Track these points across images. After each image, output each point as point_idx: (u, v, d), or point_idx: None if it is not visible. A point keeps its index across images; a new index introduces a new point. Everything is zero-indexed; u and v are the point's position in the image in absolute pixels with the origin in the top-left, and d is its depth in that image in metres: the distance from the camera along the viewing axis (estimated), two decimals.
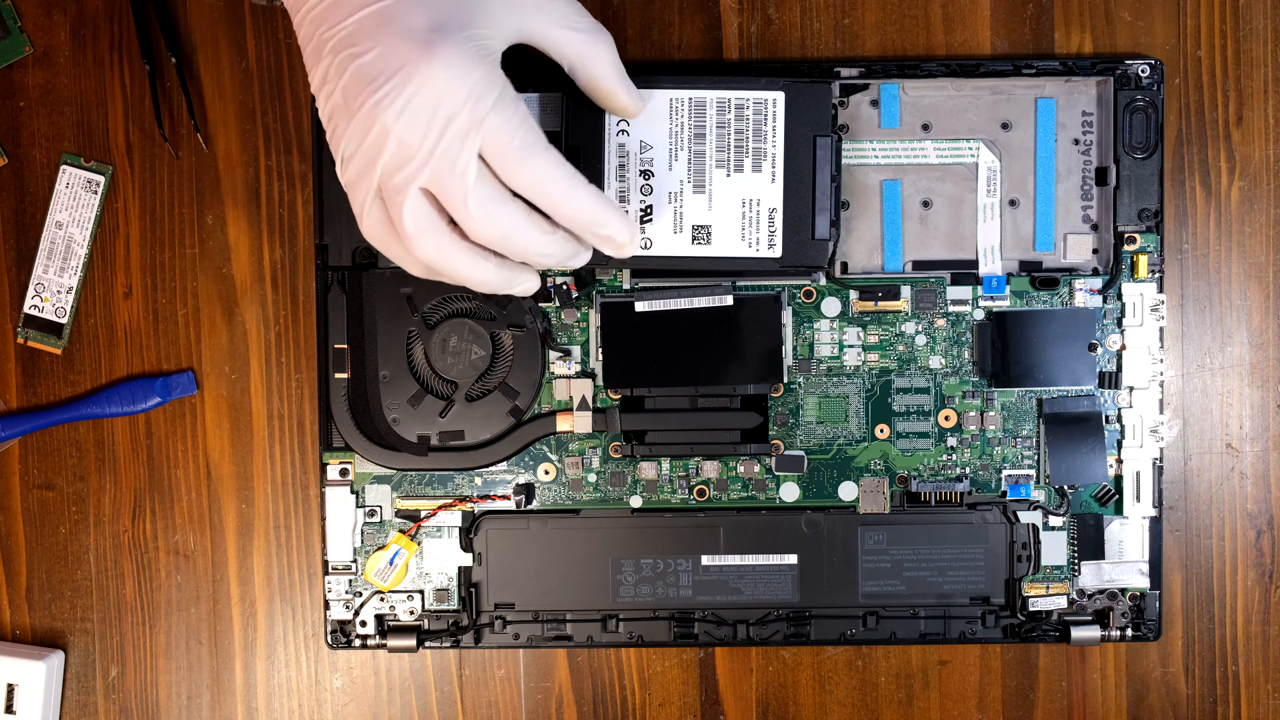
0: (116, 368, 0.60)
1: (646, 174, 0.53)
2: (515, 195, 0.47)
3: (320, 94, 0.47)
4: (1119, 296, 0.58)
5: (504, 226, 0.47)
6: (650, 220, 0.53)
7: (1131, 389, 0.58)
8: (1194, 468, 0.60)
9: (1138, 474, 0.58)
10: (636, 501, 0.59)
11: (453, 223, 0.47)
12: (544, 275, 0.58)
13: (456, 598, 0.59)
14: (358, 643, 0.59)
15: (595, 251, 0.51)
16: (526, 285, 0.50)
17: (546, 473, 0.59)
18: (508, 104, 0.46)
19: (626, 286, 0.58)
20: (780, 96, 0.54)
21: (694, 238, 0.53)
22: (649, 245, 0.53)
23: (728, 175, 0.53)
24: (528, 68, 0.54)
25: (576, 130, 0.53)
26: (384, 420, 0.58)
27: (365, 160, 0.46)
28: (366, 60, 0.45)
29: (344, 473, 0.58)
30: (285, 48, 0.59)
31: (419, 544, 0.59)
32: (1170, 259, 0.59)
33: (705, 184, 0.53)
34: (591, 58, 0.49)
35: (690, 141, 0.53)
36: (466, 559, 0.59)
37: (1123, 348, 0.58)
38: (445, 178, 0.45)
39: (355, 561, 0.59)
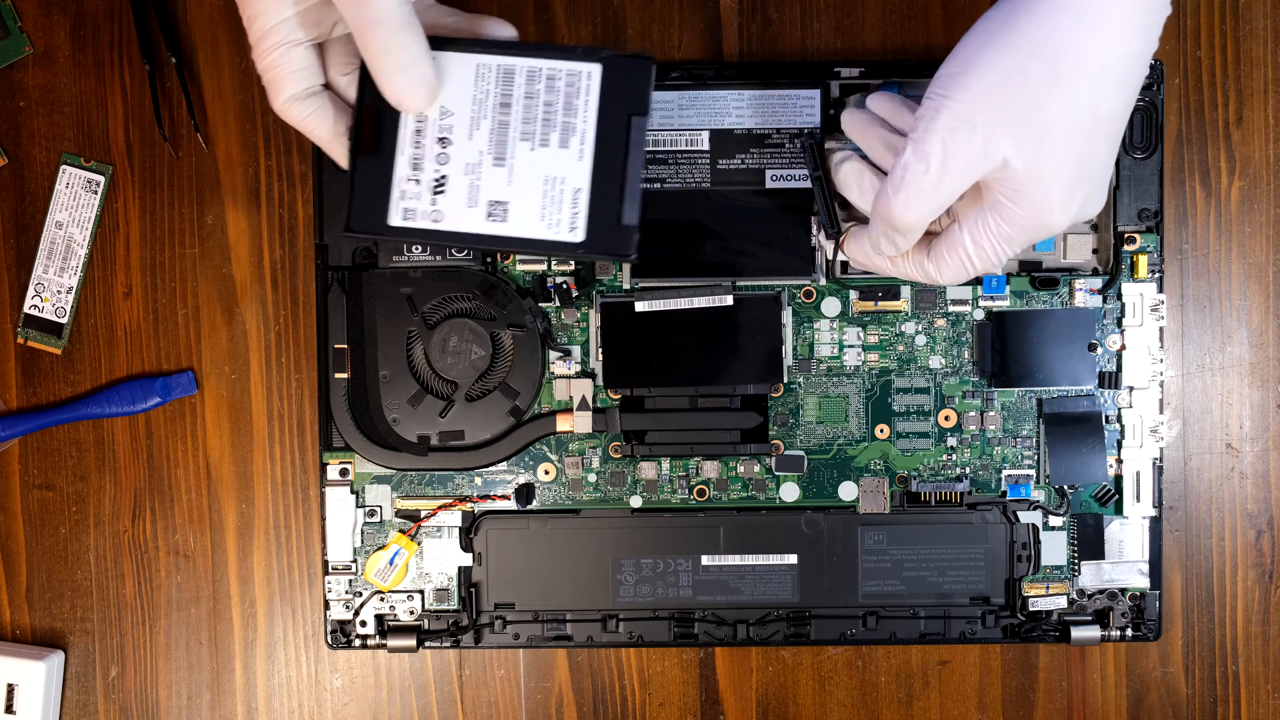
0: (116, 368, 0.60)
1: (444, 141, 0.48)
2: None
3: None
4: (1119, 296, 0.58)
5: None
6: (443, 191, 0.48)
7: (1131, 389, 0.58)
8: (1194, 468, 0.60)
9: (1138, 474, 0.58)
10: (636, 501, 0.58)
11: None
12: (544, 275, 0.58)
13: (456, 598, 0.59)
14: (358, 643, 0.59)
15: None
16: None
17: (546, 473, 0.59)
18: None
19: (626, 286, 0.58)
20: (596, 69, 0.48)
21: (489, 214, 0.48)
22: (440, 219, 0.48)
23: (531, 149, 0.48)
24: None
25: (373, 89, 0.47)
26: (384, 420, 0.58)
27: None
28: None
29: (344, 473, 0.58)
30: None
31: (419, 544, 0.59)
32: (1170, 259, 0.59)
33: (506, 156, 0.48)
34: (356, 22, 0.44)
35: (495, 110, 0.48)
36: (466, 559, 0.59)
37: (1123, 348, 0.58)
38: None
39: (355, 561, 0.59)
